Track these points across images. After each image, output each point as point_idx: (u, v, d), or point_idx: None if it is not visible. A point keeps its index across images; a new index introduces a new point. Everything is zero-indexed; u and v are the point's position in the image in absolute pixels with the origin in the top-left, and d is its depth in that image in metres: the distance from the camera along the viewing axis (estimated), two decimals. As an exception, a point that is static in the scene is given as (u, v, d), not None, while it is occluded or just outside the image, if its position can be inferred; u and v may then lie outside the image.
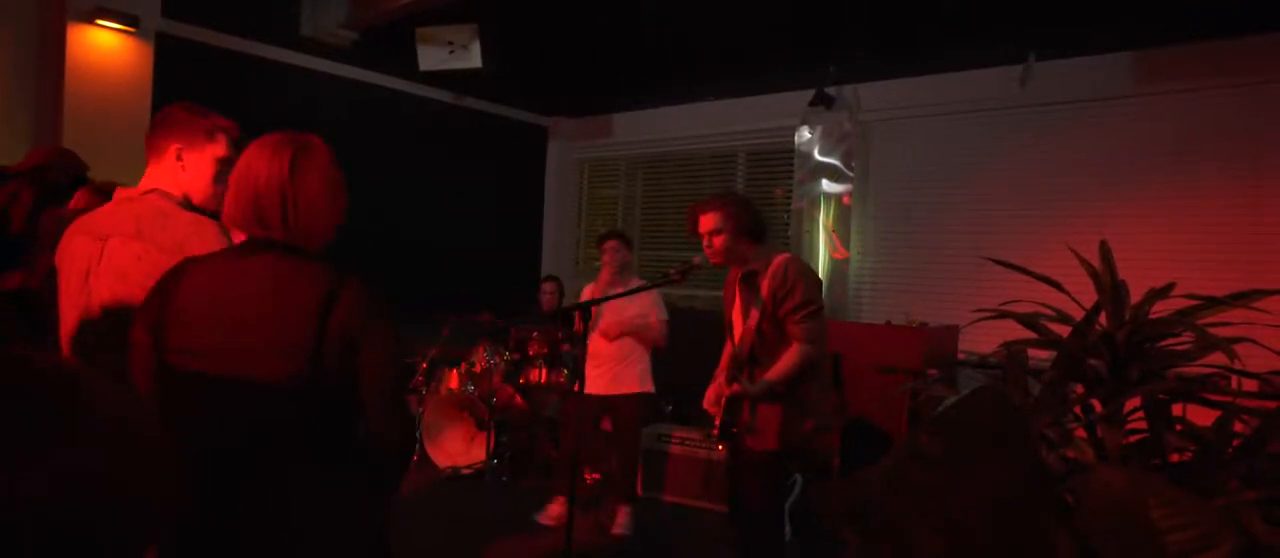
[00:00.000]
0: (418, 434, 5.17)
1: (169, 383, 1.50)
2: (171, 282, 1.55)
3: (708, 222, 2.96)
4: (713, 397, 3.07)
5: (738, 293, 3.04)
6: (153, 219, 1.93)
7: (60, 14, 4.29)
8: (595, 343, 4.24)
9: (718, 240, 2.95)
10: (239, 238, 1.64)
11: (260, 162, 1.55)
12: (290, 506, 1.48)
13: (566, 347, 5.09)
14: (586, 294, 4.36)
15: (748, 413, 2.95)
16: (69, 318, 1.97)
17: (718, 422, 2.99)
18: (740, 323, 3.02)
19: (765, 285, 2.87)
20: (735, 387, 2.90)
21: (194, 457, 1.43)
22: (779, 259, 2.89)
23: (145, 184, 2.02)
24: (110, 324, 1.89)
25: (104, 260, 1.91)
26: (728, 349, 3.17)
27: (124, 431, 0.72)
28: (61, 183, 2.87)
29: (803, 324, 2.81)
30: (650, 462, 4.86)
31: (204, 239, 1.89)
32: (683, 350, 5.11)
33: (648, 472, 4.85)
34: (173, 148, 2.01)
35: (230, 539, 1.46)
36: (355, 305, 1.48)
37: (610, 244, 4.37)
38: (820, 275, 3.51)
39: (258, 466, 1.47)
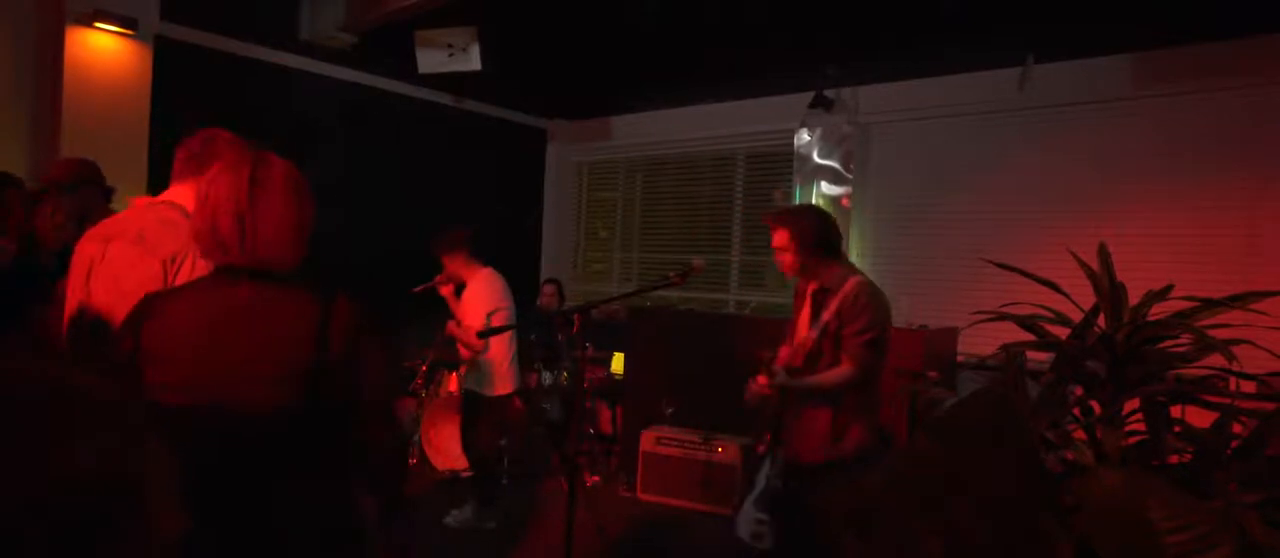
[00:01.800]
0: (416, 437, 5.16)
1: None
2: (140, 317, 1.50)
3: (777, 239, 2.98)
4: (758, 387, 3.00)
5: (808, 304, 3.04)
6: (156, 226, 1.96)
7: (59, 16, 4.28)
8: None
9: (786, 258, 2.97)
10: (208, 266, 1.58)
11: (218, 184, 1.50)
12: (289, 532, 1.46)
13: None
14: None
15: (793, 425, 2.94)
16: (68, 318, 2.00)
17: (767, 431, 2.97)
18: (802, 333, 3.02)
19: (834, 306, 2.87)
20: (767, 385, 2.89)
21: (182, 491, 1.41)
22: (852, 282, 2.87)
23: (167, 197, 2.07)
24: (103, 325, 1.91)
25: (103, 263, 1.94)
26: (783, 350, 3.16)
27: (118, 433, 0.72)
28: (79, 185, 2.92)
29: (860, 350, 2.82)
30: (649, 464, 4.86)
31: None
32: (682, 352, 5.12)
33: (647, 474, 4.86)
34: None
35: None
36: (348, 326, 1.48)
37: None
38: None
39: (250, 494, 1.44)
